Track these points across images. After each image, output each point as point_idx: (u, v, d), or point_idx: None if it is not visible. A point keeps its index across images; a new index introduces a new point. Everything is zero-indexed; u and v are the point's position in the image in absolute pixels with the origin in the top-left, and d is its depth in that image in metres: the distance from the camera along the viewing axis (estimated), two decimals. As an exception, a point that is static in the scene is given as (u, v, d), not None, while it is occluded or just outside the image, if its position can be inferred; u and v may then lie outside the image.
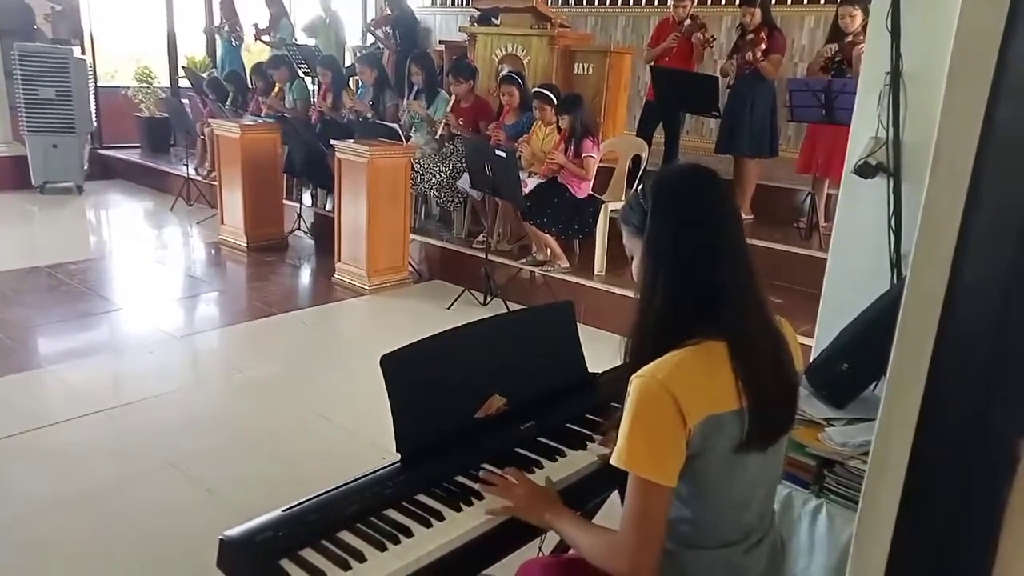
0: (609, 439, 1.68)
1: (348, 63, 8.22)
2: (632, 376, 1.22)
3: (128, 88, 8.89)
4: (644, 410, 1.19)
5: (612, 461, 1.21)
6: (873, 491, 0.96)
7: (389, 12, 8.11)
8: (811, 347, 2.35)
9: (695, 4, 5.79)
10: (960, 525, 0.91)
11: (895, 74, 2.12)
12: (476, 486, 1.50)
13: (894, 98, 2.13)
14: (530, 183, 4.87)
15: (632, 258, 1.35)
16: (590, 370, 1.93)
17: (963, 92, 0.84)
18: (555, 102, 4.91)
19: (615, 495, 1.74)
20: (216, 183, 6.21)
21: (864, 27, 3.96)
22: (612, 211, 4.71)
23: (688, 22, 5.56)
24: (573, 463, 1.65)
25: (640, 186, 1.35)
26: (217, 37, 8.68)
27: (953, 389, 0.88)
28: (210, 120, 6.67)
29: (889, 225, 2.19)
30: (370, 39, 8.62)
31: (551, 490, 1.51)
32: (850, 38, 4.62)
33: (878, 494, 0.95)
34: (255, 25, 8.45)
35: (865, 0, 2.28)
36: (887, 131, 2.16)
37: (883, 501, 0.94)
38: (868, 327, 2.00)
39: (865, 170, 2.19)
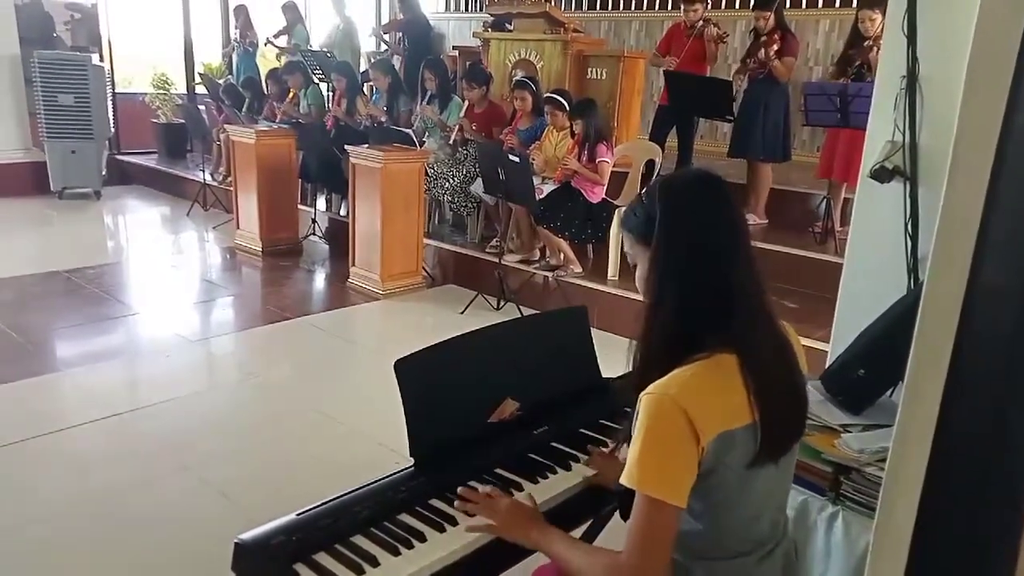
0: (591, 461, 1.65)
1: (363, 69, 8.26)
2: (642, 393, 1.19)
3: (145, 94, 8.99)
4: (656, 428, 1.16)
5: (622, 480, 1.18)
6: (890, 498, 0.95)
7: (401, 16, 8.15)
8: (827, 352, 2.33)
9: (707, 8, 5.78)
10: (979, 531, 0.90)
11: (911, 78, 2.10)
12: (455, 505, 1.43)
13: (911, 102, 2.12)
14: (544, 189, 4.88)
15: (635, 266, 1.32)
16: (604, 375, 1.93)
17: (981, 96, 0.83)
18: (566, 107, 4.92)
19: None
20: (232, 188, 6.26)
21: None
22: (626, 216, 4.70)
23: (700, 23, 5.54)
24: (586, 469, 1.64)
25: (644, 192, 1.31)
26: (234, 45, 8.75)
27: (971, 394, 0.87)
28: (226, 126, 6.72)
29: (906, 230, 2.17)
30: (382, 45, 8.66)
31: (535, 508, 1.44)
32: (870, 42, 4.59)
33: (895, 501, 0.94)
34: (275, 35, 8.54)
35: (885, 4, 2.26)
36: (904, 135, 2.14)
37: (901, 508, 0.93)
38: (885, 332, 1.98)
39: (881, 174, 2.17)
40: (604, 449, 1.70)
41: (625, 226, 1.32)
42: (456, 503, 1.44)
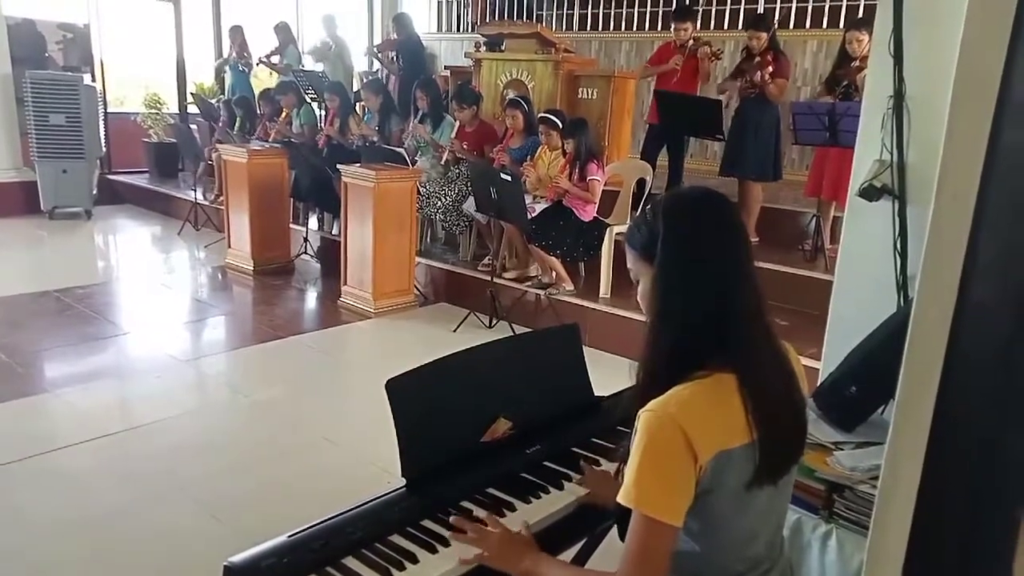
0: (585, 479, 1.64)
1: (356, 88, 8.30)
2: (641, 410, 1.19)
3: (137, 114, 8.99)
4: (654, 446, 1.15)
5: (619, 499, 1.18)
6: (883, 516, 0.95)
7: (395, 37, 8.21)
8: (818, 370, 2.33)
9: (697, 28, 5.84)
10: (973, 549, 0.90)
11: (898, 97, 2.13)
12: (447, 534, 1.41)
13: (898, 121, 2.14)
14: (536, 208, 4.89)
15: (637, 282, 1.32)
16: (596, 393, 1.92)
17: (967, 114, 0.84)
18: (560, 127, 4.94)
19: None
20: (223, 207, 6.25)
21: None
22: (617, 234, 4.72)
23: (691, 43, 5.60)
24: (580, 488, 1.64)
25: (648, 207, 1.31)
26: (227, 66, 8.78)
27: (963, 411, 0.87)
28: (218, 145, 6.73)
29: (895, 247, 2.19)
30: (376, 64, 8.71)
31: (528, 537, 1.42)
32: (857, 62, 4.64)
33: (888, 519, 0.94)
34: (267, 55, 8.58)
35: (871, 25, 2.30)
36: (891, 154, 2.16)
37: (893, 526, 0.93)
38: (876, 350, 1.99)
39: (870, 193, 2.19)
40: (597, 467, 1.70)
41: (628, 242, 1.32)
42: (450, 534, 1.41)
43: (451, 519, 1.44)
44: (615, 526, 1.32)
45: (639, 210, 5.00)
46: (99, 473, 2.95)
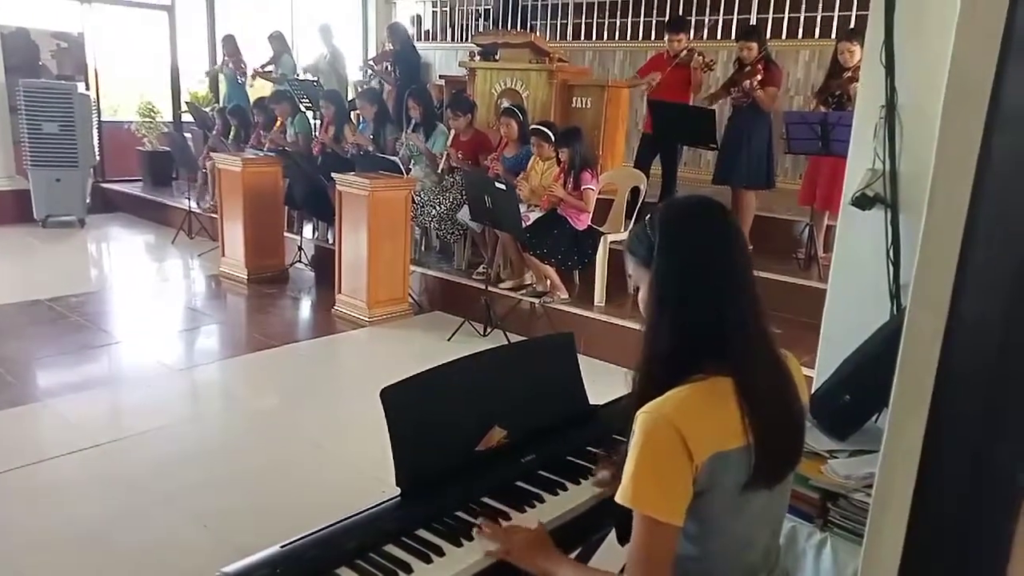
0: (599, 477, 1.65)
1: (350, 98, 8.30)
2: (638, 412, 1.20)
3: (131, 122, 8.98)
4: (650, 447, 1.17)
5: (617, 499, 1.19)
6: (877, 524, 0.95)
7: (390, 47, 8.22)
8: (812, 378, 2.34)
9: (690, 39, 5.86)
10: (967, 556, 0.90)
11: (890, 107, 2.14)
12: (474, 532, 1.46)
13: (890, 130, 2.15)
14: (531, 216, 4.90)
15: (637, 289, 1.34)
16: (591, 402, 1.92)
17: (958, 124, 0.85)
18: (552, 139, 4.95)
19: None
20: (217, 216, 6.24)
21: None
22: (612, 242, 4.73)
23: (684, 54, 5.62)
24: (574, 497, 1.63)
25: (647, 216, 1.33)
26: (221, 75, 8.78)
27: (956, 419, 0.88)
28: (212, 154, 6.72)
29: (888, 256, 2.19)
30: (371, 73, 8.72)
31: (546, 537, 1.46)
32: (849, 73, 4.67)
33: (882, 527, 0.94)
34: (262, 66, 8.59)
35: (863, 36, 2.32)
36: (884, 163, 2.17)
37: (888, 534, 0.93)
38: (869, 358, 1.99)
39: (863, 201, 2.20)
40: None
41: (628, 249, 1.35)
42: (474, 531, 1.46)
43: (479, 520, 1.48)
44: (612, 532, 1.33)
45: (634, 218, 5.02)
46: (90, 483, 2.93)
